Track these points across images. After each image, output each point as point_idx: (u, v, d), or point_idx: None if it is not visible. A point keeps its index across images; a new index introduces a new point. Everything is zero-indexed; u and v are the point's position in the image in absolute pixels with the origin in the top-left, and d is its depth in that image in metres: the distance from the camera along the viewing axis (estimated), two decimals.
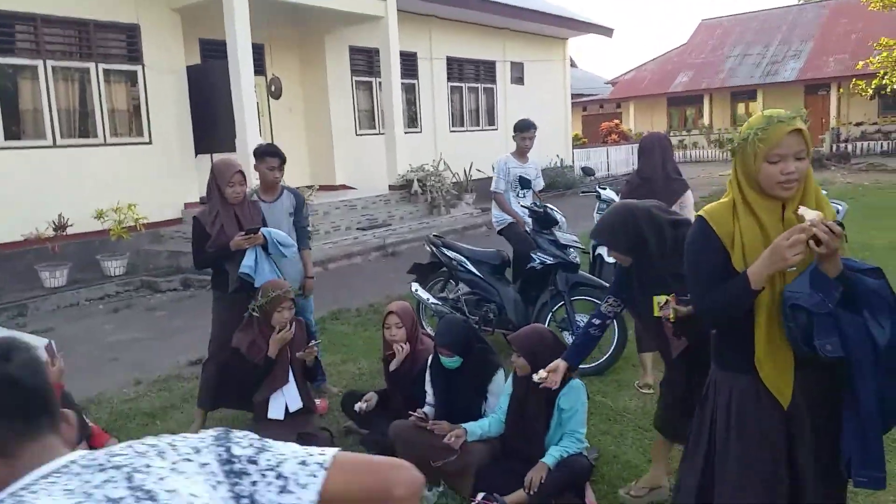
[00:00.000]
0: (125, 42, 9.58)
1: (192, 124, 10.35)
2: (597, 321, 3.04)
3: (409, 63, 14.16)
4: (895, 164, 19.29)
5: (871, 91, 16.50)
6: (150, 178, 9.68)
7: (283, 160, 4.39)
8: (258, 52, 11.52)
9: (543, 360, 3.06)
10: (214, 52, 10.61)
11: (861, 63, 17.78)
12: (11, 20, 8.42)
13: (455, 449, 3.18)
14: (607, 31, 18.84)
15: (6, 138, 8.42)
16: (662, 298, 2.72)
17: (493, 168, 6.06)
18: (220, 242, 3.88)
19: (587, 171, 7.09)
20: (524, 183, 5.93)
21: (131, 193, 9.06)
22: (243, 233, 3.86)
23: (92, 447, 3.65)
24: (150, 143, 9.90)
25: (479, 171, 13.33)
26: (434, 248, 5.58)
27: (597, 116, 32.31)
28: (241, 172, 3.96)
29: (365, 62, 13.49)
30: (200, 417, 4.08)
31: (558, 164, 17.54)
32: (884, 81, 15.94)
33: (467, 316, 5.27)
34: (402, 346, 3.67)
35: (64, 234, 8.49)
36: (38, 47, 8.68)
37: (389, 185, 12.32)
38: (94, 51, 9.22)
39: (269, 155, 4.36)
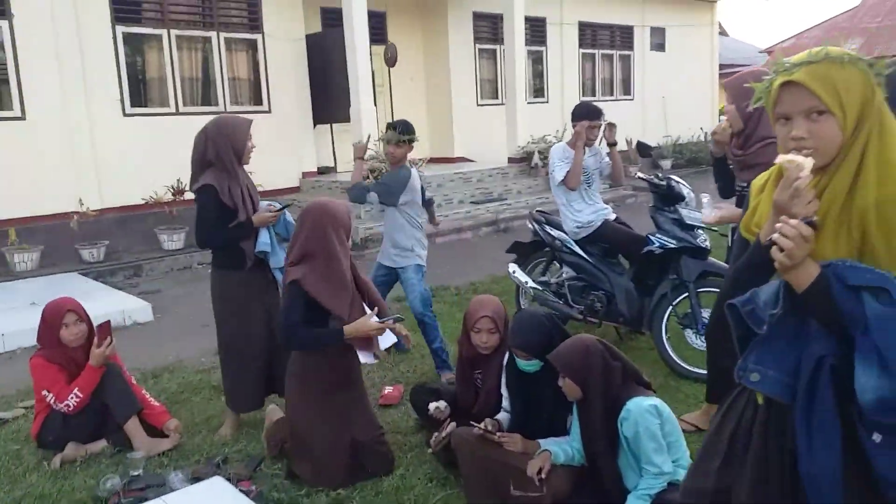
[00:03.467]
0: (246, 11, 9.59)
1: (310, 93, 10.26)
2: None
3: (537, 29, 13.35)
4: None
5: None
6: (268, 147, 9.56)
7: (397, 139, 4.13)
8: (378, 19, 11.23)
9: (594, 383, 2.46)
10: (335, 20, 10.40)
11: None
12: None
13: (537, 482, 2.56)
14: None
15: (132, 105, 8.66)
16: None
17: (551, 157, 4.74)
18: (241, 216, 3.37)
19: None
20: (589, 178, 4.63)
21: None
22: (277, 206, 3.48)
23: (147, 423, 3.41)
24: (269, 111, 9.89)
25: None
26: (536, 226, 4.92)
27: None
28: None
29: (489, 29, 12.84)
30: (232, 422, 3.54)
31: (702, 138, 16.05)
32: None
33: (570, 304, 4.60)
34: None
35: (182, 198, 8.64)
36: (163, 17, 8.84)
37: (508, 158, 11.68)
38: (216, 20, 9.28)
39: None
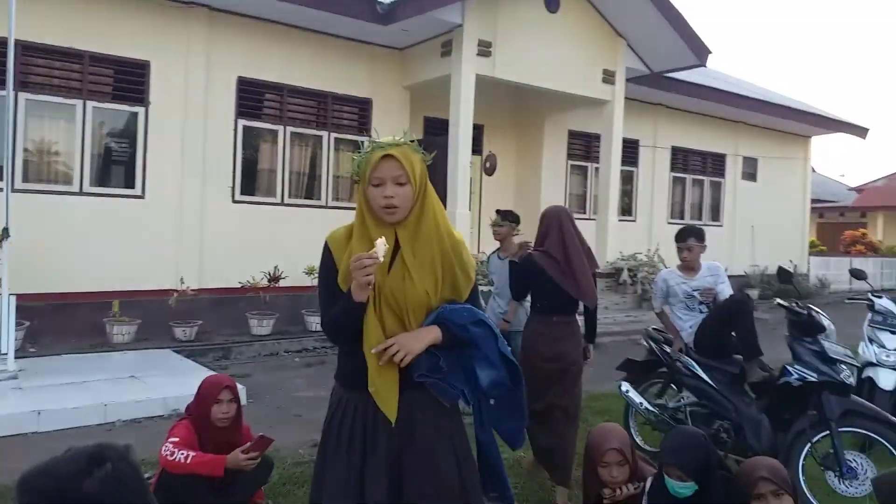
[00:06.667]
0: (357, 114, 10.11)
1: None
2: None
3: (629, 150, 13.53)
4: None
5: None
6: None
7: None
8: (476, 130, 11.63)
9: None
10: (436, 129, 10.86)
11: None
12: (264, 89, 9.25)
13: None
14: (860, 132, 16.72)
15: (241, 192, 9.08)
16: None
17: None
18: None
19: (857, 274, 5.60)
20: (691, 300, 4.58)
21: None
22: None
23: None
24: None
25: None
26: (654, 344, 4.70)
27: (835, 225, 28.85)
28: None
29: (582, 147, 13.10)
30: None
31: (791, 270, 15.53)
32: None
33: None
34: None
35: (276, 285, 8.82)
36: (281, 114, 9.41)
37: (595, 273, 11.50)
38: (329, 121, 9.81)
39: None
